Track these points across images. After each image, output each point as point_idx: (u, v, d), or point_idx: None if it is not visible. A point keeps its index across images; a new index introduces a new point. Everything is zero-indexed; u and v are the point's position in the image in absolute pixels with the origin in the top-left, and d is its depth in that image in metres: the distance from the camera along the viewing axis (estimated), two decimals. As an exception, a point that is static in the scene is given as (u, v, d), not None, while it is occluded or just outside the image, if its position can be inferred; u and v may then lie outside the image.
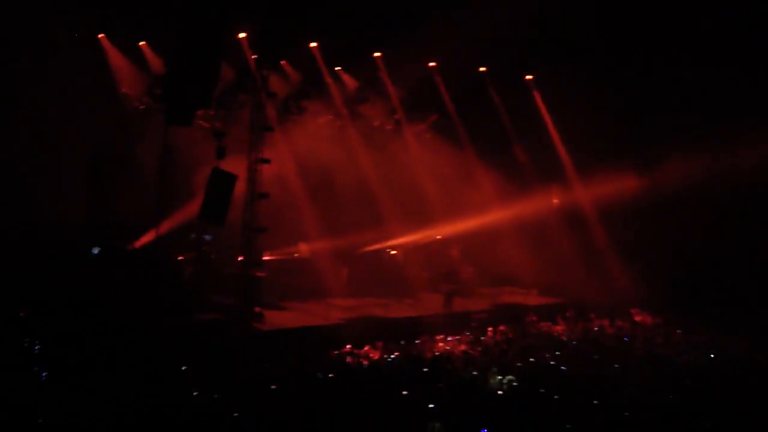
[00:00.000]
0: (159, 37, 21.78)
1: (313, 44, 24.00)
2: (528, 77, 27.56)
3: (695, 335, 19.98)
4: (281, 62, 24.00)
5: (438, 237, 26.97)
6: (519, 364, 15.71)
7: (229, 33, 21.11)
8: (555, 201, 27.71)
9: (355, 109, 25.98)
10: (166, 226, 21.18)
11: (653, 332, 20.90)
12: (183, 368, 13.77)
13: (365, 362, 16.24)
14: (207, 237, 22.55)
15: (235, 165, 20.92)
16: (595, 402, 13.07)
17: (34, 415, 10.85)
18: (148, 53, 22.93)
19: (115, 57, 22.77)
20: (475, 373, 14.83)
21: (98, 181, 22.52)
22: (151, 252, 21.10)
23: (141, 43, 22.79)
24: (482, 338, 19.66)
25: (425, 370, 15.09)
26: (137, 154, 22.78)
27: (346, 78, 25.89)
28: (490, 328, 20.68)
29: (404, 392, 12.98)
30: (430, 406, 11.98)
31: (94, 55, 22.06)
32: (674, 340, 19.87)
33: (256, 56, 22.15)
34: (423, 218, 26.41)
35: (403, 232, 26.05)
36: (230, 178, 20.34)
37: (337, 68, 25.44)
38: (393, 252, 26.24)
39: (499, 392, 13.87)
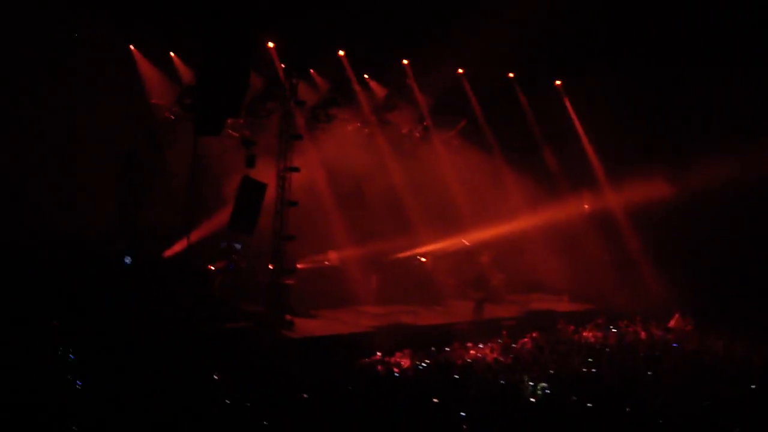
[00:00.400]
0: (189, 47, 21.88)
1: (341, 52, 24.05)
2: (557, 82, 27.45)
3: (731, 342, 19.68)
4: (309, 70, 24.08)
5: (467, 243, 26.85)
6: (551, 372, 15.59)
7: (257, 42, 21.23)
8: (586, 206, 27.53)
9: (383, 116, 26.00)
10: (196, 235, 21.23)
11: (688, 339, 20.60)
12: (213, 376, 13.79)
13: (396, 370, 16.17)
14: (237, 246, 22.58)
15: (264, 173, 21.04)
16: (628, 410, 12.91)
17: (67, 422, 10.91)
18: (178, 63, 23.09)
19: (145, 67, 22.90)
20: (504, 381, 14.72)
21: (128, 189, 22.58)
22: (182, 261, 21.18)
23: (171, 54, 22.94)
24: (513, 345, 19.52)
25: (456, 377, 15.00)
26: (167, 163, 22.86)
27: (374, 85, 25.95)
28: (525, 338, 20.58)
29: (435, 400, 12.93)
30: (461, 414, 11.91)
31: (124, 66, 22.20)
32: (710, 347, 19.55)
33: (284, 65, 22.29)
34: (452, 225, 26.38)
35: (432, 239, 26.00)
36: (260, 187, 20.46)
37: (365, 76, 25.47)
38: (422, 259, 26.18)
39: (532, 400, 13.78)
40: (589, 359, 17.47)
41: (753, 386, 14.89)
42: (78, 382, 12.78)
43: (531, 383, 14.27)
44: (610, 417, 12.50)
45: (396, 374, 15.72)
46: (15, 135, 20.30)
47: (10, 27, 19.23)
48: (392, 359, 17.30)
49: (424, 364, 16.72)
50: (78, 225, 21.13)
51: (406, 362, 16.98)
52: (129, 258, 21.26)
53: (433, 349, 18.51)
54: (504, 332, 20.54)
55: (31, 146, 20.65)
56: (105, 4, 20.59)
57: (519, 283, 26.60)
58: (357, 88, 24.96)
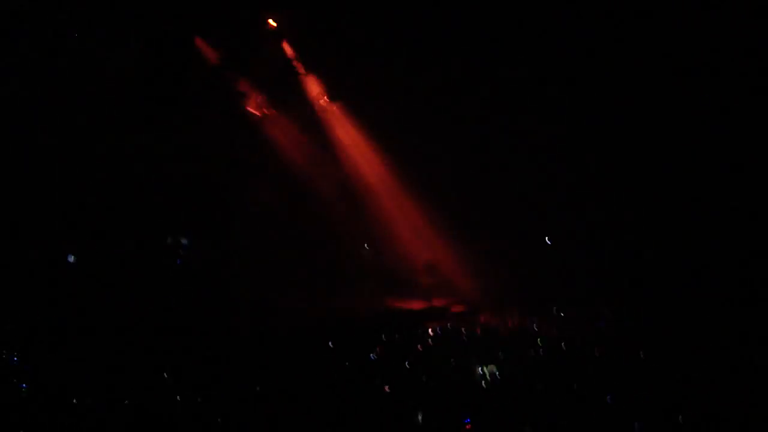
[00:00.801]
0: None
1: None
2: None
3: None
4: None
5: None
6: (501, 355, 15.72)
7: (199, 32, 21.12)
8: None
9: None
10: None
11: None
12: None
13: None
14: (183, 241, 22.40)
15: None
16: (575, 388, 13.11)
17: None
18: None
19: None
20: (455, 363, 14.82)
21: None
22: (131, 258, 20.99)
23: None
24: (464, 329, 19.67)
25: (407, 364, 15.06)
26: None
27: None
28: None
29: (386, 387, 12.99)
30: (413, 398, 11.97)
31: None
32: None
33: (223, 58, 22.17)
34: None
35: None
36: None
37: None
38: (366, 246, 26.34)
39: (483, 382, 13.88)
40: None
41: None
42: (22, 385, 12.57)
43: (481, 367, 14.36)
44: (560, 398, 12.65)
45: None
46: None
47: None
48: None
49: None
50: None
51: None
52: (72, 256, 20.96)
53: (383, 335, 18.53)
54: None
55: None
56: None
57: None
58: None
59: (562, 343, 17.47)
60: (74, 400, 11.62)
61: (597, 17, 22.38)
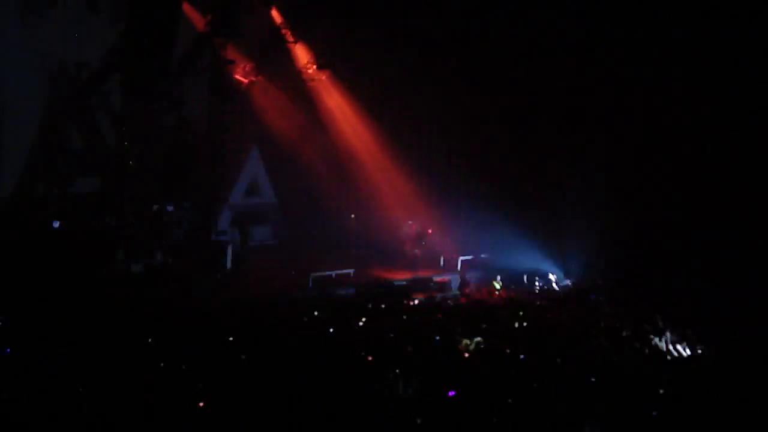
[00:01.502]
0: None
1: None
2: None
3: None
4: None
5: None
6: (484, 326, 15.82)
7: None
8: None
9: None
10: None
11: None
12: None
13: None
14: (169, 208, 22.33)
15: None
16: (559, 360, 13.24)
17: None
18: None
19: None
20: (439, 337, 14.90)
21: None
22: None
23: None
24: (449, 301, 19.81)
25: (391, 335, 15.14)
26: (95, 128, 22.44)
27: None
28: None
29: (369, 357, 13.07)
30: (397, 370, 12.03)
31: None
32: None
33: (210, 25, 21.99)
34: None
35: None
36: None
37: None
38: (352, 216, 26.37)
39: (466, 354, 13.97)
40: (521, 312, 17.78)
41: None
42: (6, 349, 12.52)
43: (466, 339, 14.44)
44: (543, 368, 12.76)
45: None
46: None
47: None
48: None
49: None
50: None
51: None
52: (57, 222, 20.84)
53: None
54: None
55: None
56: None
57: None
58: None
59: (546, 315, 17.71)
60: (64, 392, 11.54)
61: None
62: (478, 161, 25.05)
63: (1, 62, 20.42)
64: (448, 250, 24.94)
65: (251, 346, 13.47)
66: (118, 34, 21.54)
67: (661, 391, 11.65)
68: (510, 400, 10.90)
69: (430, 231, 24.98)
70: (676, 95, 21.65)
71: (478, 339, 14.36)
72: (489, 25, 24.02)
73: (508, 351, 13.91)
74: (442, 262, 24.62)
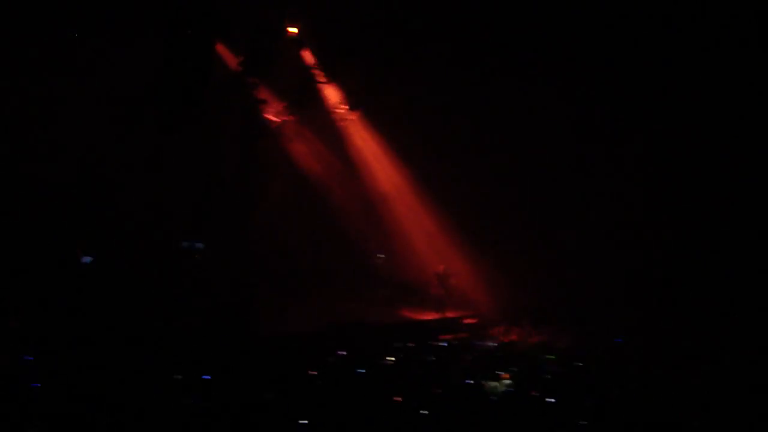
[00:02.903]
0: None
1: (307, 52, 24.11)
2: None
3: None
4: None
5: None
6: (514, 369, 15.66)
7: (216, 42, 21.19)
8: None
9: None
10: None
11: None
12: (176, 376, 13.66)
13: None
14: (198, 245, 22.49)
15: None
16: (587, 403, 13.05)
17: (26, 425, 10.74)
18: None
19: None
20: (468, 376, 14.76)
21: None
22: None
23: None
24: (477, 342, 19.64)
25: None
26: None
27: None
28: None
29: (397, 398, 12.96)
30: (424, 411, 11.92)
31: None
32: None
33: (244, 65, 22.23)
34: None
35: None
36: None
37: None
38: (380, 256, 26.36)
39: (494, 397, 13.82)
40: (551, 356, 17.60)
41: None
42: (35, 384, 12.57)
43: (494, 381, 14.30)
44: (573, 410, 12.58)
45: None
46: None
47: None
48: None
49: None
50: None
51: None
52: (88, 258, 21.03)
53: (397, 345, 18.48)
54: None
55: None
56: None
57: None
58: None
59: (576, 358, 17.49)
60: (89, 399, 11.63)
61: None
62: (508, 205, 25.12)
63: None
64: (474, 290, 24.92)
65: (280, 384, 13.43)
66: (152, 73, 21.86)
67: None
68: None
69: (457, 272, 24.98)
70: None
71: (508, 381, 14.22)
72: (521, 64, 24.14)
73: (535, 393, 13.74)
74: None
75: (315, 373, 14.45)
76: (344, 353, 16.93)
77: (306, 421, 11.22)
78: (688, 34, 22.05)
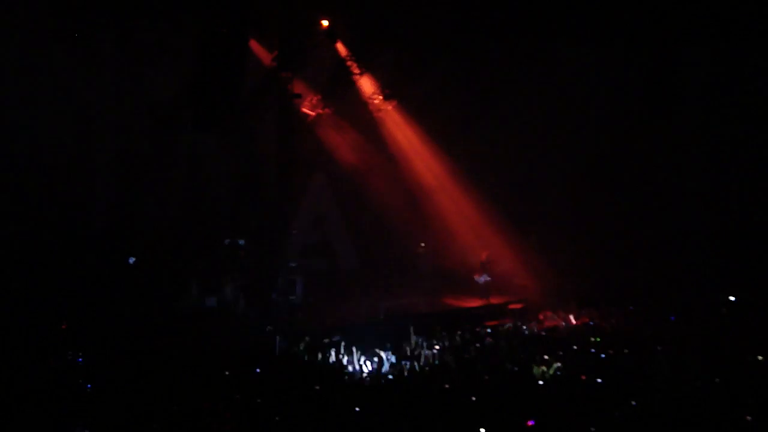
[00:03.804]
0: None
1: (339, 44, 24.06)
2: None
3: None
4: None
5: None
6: (561, 353, 15.55)
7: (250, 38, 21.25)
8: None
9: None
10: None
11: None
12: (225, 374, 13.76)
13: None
14: (240, 242, 22.60)
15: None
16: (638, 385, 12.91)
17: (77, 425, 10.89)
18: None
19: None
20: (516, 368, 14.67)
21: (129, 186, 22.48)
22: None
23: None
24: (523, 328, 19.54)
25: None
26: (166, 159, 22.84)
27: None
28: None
29: (446, 385, 12.94)
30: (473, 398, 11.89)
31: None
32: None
33: (278, 60, 22.26)
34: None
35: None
36: None
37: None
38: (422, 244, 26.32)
39: (542, 382, 13.73)
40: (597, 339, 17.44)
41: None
42: (88, 385, 12.74)
43: (543, 366, 14.21)
44: (619, 396, 12.45)
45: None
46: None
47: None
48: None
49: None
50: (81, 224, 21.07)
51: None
52: (133, 258, 21.25)
53: (445, 333, 18.41)
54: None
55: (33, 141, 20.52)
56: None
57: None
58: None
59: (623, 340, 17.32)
60: (137, 400, 11.76)
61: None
62: (551, 191, 25.02)
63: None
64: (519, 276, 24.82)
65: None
66: (187, 72, 21.98)
67: (749, 418, 11.21)
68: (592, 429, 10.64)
69: (500, 258, 24.86)
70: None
71: (558, 365, 14.12)
72: (558, 49, 23.93)
73: (584, 377, 13.62)
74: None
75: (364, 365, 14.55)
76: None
77: (355, 413, 11.28)
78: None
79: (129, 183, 22.24)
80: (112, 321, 17.39)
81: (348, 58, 24.10)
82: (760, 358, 14.82)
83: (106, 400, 11.99)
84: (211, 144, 22.42)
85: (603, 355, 15.23)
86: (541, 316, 21.35)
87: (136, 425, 11.02)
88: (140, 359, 14.52)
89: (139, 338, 16.41)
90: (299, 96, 22.83)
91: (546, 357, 14.54)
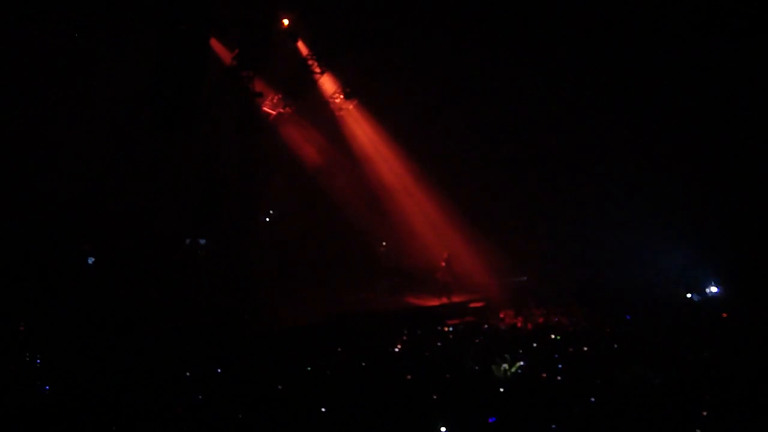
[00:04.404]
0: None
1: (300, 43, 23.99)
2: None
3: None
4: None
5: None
6: (521, 351, 15.66)
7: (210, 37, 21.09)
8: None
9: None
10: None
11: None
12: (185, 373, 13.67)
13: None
14: (201, 241, 22.50)
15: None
16: (597, 382, 13.05)
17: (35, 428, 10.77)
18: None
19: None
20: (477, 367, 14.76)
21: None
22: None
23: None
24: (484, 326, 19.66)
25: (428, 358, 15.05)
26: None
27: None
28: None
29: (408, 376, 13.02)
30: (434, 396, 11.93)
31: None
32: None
33: (238, 59, 22.15)
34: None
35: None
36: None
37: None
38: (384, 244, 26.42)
39: (503, 380, 13.82)
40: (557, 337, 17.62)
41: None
42: (45, 386, 12.59)
43: (504, 364, 14.30)
44: (580, 392, 12.58)
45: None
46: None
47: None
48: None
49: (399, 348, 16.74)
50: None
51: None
52: (92, 258, 21.04)
53: (406, 331, 18.47)
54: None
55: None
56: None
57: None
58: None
59: (583, 338, 17.50)
60: (97, 402, 11.64)
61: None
62: (507, 185, 25.19)
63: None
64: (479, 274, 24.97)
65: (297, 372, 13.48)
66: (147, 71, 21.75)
67: (704, 413, 11.39)
68: (553, 426, 10.74)
69: (461, 257, 25.01)
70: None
71: (520, 363, 14.22)
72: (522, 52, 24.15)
73: (544, 375, 13.74)
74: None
75: (323, 364, 14.51)
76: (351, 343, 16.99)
77: (316, 412, 11.26)
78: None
79: (89, 182, 21.95)
80: (70, 322, 17.17)
81: (309, 56, 24.07)
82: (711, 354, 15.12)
83: (64, 403, 11.85)
84: (172, 143, 22.18)
85: (556, 357, 15.38)
86: (502, 314, 21.53)
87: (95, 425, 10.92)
88: (103, 361, 14.37)
89: (99, 339, 16.21)
90: (260, 95, 22.74)
91: (507, 355, 14.62)
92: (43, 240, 20.50)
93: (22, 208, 20.43)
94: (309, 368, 13.98)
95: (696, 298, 23.27)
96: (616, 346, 16.22)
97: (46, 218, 20.79)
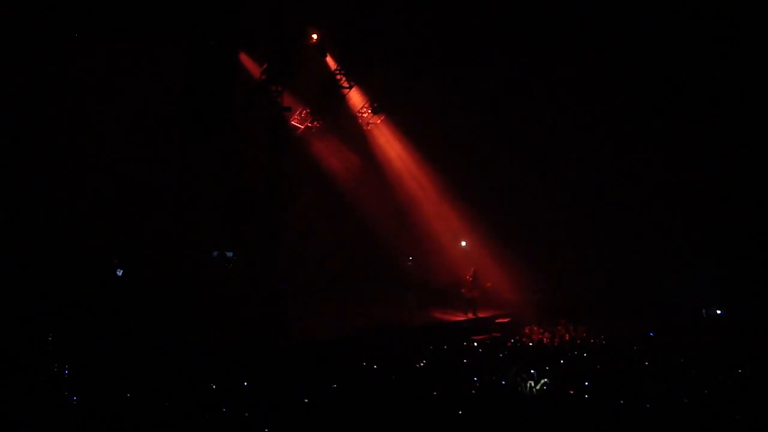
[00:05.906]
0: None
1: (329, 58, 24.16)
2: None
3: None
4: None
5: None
6: (547, 368, 15.58)
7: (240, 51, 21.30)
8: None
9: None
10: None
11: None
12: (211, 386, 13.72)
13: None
14: (228, 254, 22.59)
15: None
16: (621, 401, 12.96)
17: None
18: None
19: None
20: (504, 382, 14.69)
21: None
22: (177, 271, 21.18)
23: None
24: (510, 342, 19.57)
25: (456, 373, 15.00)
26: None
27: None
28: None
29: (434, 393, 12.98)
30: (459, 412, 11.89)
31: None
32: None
33: (267, 74, 22.32)
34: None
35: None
36: None
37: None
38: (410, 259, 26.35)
39: (529, 396, 13.76)
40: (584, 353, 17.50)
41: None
42: (73, 397, 12.67)
43: (531, 381, 14.22)
44: (606, 408, 12.50)
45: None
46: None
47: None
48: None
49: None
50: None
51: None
52: (121, 270, 21.16)
53: (431, 346, 18.45)
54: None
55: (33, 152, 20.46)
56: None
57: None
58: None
59: (610, 354, 17.37)
60: (125, 413, 11.71)
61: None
62: (539, 207, 25.16)
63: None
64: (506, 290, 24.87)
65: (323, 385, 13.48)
66: (178, 85, 21.97)
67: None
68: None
69: (488, 273, 24.90)
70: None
71: (545, 379, 14.14)
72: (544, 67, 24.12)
73: (571, 392, 13.66)
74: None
75: (348, 377, 14.49)
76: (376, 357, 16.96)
77: (342, 425, 11.26)
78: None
79: (119, 195, 22.14)
80: (99, 333, 17.29)
81: (337, 71, 24.19)
82: (740, 371, 14.97)
83: (92, 413, 11.93)
84: (201, 156, 22.34)
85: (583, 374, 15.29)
86: (527, 330, 21.43)
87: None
88: (130, 373, 14.45)
89: (127, 351, 16.30)
90: (289, 109, 22.86)
91: (533, 371, 14.54)
92: (73, 253, 20.68)
93: (52, 221, 20.64)
94: (335, 382, 13.97)
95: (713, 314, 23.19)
96: (645, 363, 16.13)
97: (76, 231, 20.99)
